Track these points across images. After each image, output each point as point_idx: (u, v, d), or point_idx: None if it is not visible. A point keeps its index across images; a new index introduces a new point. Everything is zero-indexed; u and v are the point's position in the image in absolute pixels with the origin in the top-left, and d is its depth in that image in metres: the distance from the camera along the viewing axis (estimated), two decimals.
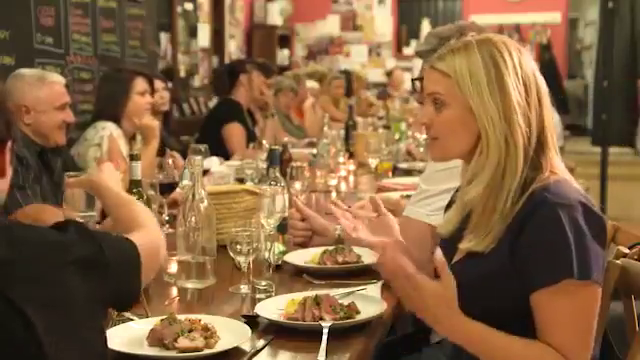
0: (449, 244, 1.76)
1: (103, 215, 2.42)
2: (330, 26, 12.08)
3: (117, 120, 3.85)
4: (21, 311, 1.14)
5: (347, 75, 9.14)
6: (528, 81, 1.64)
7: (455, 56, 1.67)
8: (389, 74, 10.53)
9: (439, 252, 1.59)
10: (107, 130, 3.79)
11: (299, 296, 1.90)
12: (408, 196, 2.97)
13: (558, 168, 1.66)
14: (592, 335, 1.57)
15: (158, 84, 4.91)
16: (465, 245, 1.66)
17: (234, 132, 5.23)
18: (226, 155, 4.70)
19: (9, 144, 1.30)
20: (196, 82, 8.92)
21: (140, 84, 3.92)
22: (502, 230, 1.60)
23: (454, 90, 1.65)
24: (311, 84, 7.10)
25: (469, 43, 1.68)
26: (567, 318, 1.54)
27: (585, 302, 1.55)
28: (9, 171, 1.33)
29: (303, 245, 2.49)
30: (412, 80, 2.41)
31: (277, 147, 2.89)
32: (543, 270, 1.55)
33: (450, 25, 2.31)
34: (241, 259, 2.06)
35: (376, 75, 11.38)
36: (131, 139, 3.94)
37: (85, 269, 1.24)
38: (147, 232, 1.54)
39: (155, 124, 3.89)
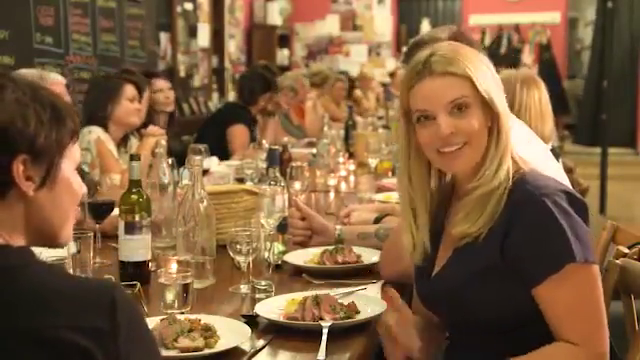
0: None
1: (103, 216, 2.42)
2: (330, 26, 12.07)
3: (104, 124, 3.86)
4: None
5: (348, 77, 9.14)
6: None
7: (462, 58, 1.66)
8: (392, 75, 10.52)
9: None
10: (94, 134, 3.78)
11: (299, 296, 1.90)
12: None
13: (521, 158, 1.70)
14: (604, 315, 1.58)
15: (163, 84, 4.90)
16: (457, 229, 1.66)
17: (238, 133, 5.27)
18: (224, 155, 4.70)
19: (21, 158, 1.17)
20: (196, 82, 8.93)
21: (130, 90, 3.93)
22: (492, 217, 1.61)
23: (473, 90, 1.64)
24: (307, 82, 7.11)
25: (459, 46, 1.71)
26: (576, 305, 1.56)
27: (590, 284, 1.56)
28: (29, 191, 1.20)
29: (303, 244, 2.49)
30: None
31: (277, 147, 2.89)
32: (543, 261, 1.55)
33: (436, 29, 2.31)
34: (241, 259, 2.06)
35: (377, 75, 11.37)
36: (119, 144, 3.94)
37: None
38: None
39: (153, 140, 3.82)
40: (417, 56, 1.70)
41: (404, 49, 2.32)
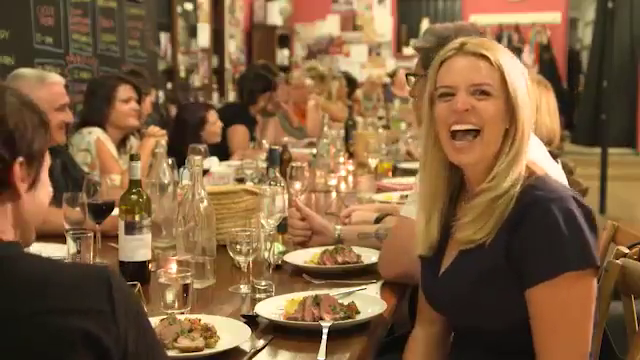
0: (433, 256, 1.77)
1: (103, 216, 2.42)
2: (330, 26, 12.08)
3: (102, 126, 3.86)
4: None
5: (347, 76, 9.15)
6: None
7: (499, 52, 1.66)
8: (392, 75, 10.51)
9: None
10: (94, 135, 3.79)
11: (299, 296, 1.90)
12: (407, 196, 2.97)
13: (534, 163, 1.70)
14: (590, 324, 1.58)
15: (214, 116, 4.91)
16: (463, 234, 1.65)
17: (238, 133, 5.28)
18: (224, 155, 4.71)
19: (19, 160, 1.20)
20: (196, 82, 8.93)
21: (124, 91, 3.91)
22: (499, 223, 1.60)
23: (500, 83, 1.63)
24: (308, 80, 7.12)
25: (501, 46, 1.70)
26: (564, 314, 1.56)
27: (583, 292, 1.56)
28: (22, 192, 1.22)
29: (303, 244, 2.49)
30: (406, 75, 2.36)
31: (277, 147, 2.89)
32: (541, 266, 1.56)
33: (448, 24, 2.29)
34: (241, 259, 2.06)
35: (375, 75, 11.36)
36: (119, 145, 3.95)
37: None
38: None
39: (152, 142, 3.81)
40: (453, 41, 1.71)
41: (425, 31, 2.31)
